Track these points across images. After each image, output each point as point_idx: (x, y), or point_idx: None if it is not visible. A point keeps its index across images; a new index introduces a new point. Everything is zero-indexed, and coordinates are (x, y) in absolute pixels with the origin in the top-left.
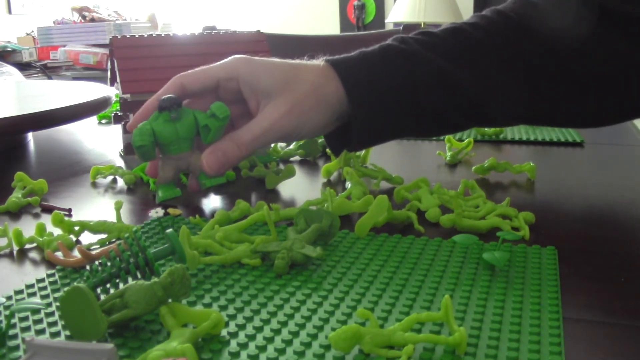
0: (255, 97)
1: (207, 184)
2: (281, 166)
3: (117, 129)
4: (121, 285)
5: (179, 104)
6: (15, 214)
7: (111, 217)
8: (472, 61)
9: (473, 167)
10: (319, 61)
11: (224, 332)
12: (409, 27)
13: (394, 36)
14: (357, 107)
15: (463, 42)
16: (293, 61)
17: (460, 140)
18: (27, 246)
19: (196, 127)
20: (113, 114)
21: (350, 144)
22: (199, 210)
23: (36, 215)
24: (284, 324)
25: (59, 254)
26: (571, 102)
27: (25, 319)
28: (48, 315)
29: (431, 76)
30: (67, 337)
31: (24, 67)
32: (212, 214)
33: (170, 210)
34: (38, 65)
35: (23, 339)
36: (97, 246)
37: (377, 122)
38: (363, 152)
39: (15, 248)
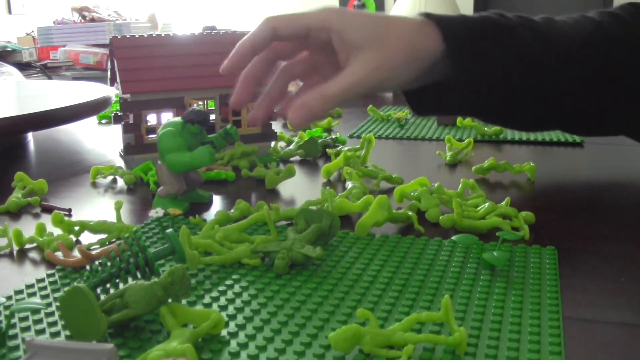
0: (345, 49)
1: (165, 206)
2: (281, 166)
3: (117, 129)
4: (121, 285)
5: (204, 121)
6: (15, 214)
7: (111, 217)
8: (581, 62)
9: (473, 167)
10: (416, 15)
11: (224, 332)
12: None
13: (494, 10)
14: (459, 71)
15: (581, 38)
16: (388, 15)
17: (460, 140)
18: (27, 246)
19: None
20: (113, 114)
21: (437, 107)
22: (199, 210)
23: (36, 215)
24: (284, 324)
25: (59, 254)
26: None
27: (25, 319)
28: (48, 315)
29: (524, 55)
30: (67, 337)
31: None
32: (212, 214)
33: (170, 210)
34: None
35: (23, 339)
36: (97, 246)
37: (475, 94)
38: (363, 152)
39: (15, 248)
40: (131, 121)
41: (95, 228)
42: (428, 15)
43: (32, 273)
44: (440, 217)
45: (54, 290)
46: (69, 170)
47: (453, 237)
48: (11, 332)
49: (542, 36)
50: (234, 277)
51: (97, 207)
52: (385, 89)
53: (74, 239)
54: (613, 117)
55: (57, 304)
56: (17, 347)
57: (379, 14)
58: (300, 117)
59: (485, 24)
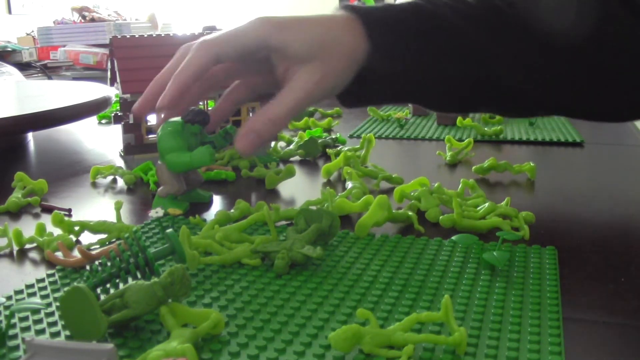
0: (285, 63)
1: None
2: (281, 166)
3: (117, 129)
4: (121, 285)
5: (205, 122)
6: (15, 214)
7: (111, 217)
8: (506, 39)
9: (473, 167)
10: (344, 12)
11: (224, 332)
12: None
13: None
14: (380, 65)
15: (490, 12)
16: (321, 18)
17: (460, 140)
18: (27, 246)
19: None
20: (113, 114)
21: (361, 98)
22: (199, 210)
23: (36, 215)
24: (284, 324)
25: (59, 254)
26: (605, 92)
27: (25, 319)
28: (48, 315)
29: (462, 48)
30: (67, 337)
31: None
32: (212, 214)
33: (170, 210)
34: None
35: (23, 339)
36: (97, 246)
37: (398, 83)
38: (363, 152)
39: (15, 248)
40: (131, 121)
41: (95, 228)
42: (354, 9)
43: (32, 273)
44: (440, 217)
45: (54, 290)
46: (69, 170)
47: (453, 237)
48: (11, 332)
49: (470, 17)
50: (234, 277)
51: (97, 207)
52: (329, 96)
53: (74, 239)
54: (549, 95)
55: (57, 304)
56: (17, 347)
57: (317, 22)
58: (250, 144)
59: (410, 13)
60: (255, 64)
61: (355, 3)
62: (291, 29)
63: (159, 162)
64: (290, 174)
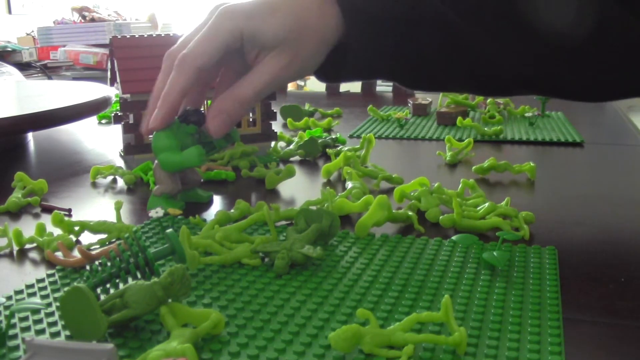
0: (255, 49)
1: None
2: (281, 166)
3: (117, 129)
4: (121, 285)
5: (200, 121)
6: (15, 214)
7: (111, 217)
8: (480, 15)
9: (473, 167)
10: None
11: (224, 332)
12: None
13: None
14: (355, 42)
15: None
16: (295, 3)
17: (460, 140)
18: (27, 246)
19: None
20: (113, 114)
21: (339, 74)
22: (199, 210)
23: (36, 215)
24: (284, 324)
25: (59, 254)
26: (579, 70)
27: (25, 319)
28: (48, 315)
29: (435, 25)
30: (67, 337)
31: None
32: (212, 214)
33: (170, 210)
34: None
35: (23, 339)
36: (97, 246)
37: (374, 59)
38: (363, 152)
39: (15, 248)
40: (131, 121)
41: (95, 228)
42: None
43: (32, 273)
44: (440, 217)
45: (54, 290)
46: (69, 170)
47: (453, 237)
48: (11, 332)
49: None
50: (234, 277)
51: (97, 207)
52: (297, 79)
53: (74, 239)
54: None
55: (57, 304)
56: (17, 347)
57: (283, 3)
58: (221, 124)
59: None
60: (233, 51)
61: None
62: (260, 16)
63: (156, 161)
64: (290, 174)
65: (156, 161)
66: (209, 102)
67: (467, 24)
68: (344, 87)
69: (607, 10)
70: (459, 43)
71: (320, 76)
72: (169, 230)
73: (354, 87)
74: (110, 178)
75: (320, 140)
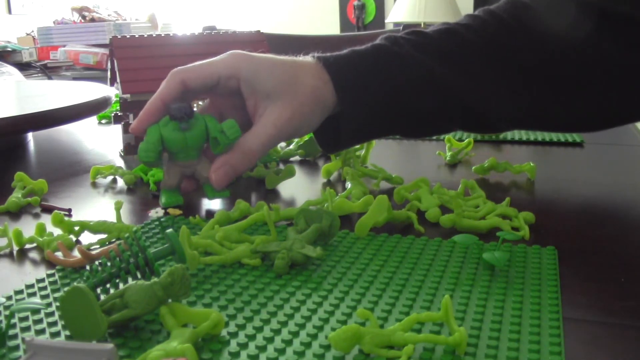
0: (254, 97)
1: (212, 196)
2: (281, 166)
3: (117, 129)
4: (121, 285)
5: (190, 115)
6: (15, 214)
7: (111, 217)
8: (464, 63)
9: (473, 167)
10: (312, 59)
11: (224, 332)
12: (408, 27)
13: (385, 35)
14: (347, 108)
15: (455, 43)
16: (290, 59)
17: (460, 140)
18: (27, 246)
19: (206, 135)
20: (113, 114)
21: (339, 141)
22: (199, 210)
23: (36, 215)
24: (284, 324)
25: (59, 254)
26: (566, 105)
27: (25, 319)
28: (48, 315)
29: (422, 80)
30: (67, 337)
31: (24, 67)
32: (212, 214)
33: (170, 210)
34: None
35: (23, 339)
36: (97, 246)
37: (366, 124)
38: (363, 152)
39: (15, 248)
40: (131, 121)
41: (95, 228)
42: (320, 58)
43: (32, 273)
44: (440, 217)
45: (54, 290)
46: (69, 170)
47: (453, 237)
48: (11, 332)
49: (427, 47)
50: (234, 277)
51: (97, 207)
52: (298, 136)
53: (74, 239)
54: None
55: (57, 304)
56: (17, 347)
57: (284, 60)
58: (224, 176)
59: (375, 59)
60: (227, 92)
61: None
62: (262, 64)
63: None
64: (290, 174)
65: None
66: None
67: (455, 75)
68: None
69: (593, 41)
70: (448, 94)
71: (323, 145)
72: (169, 230)
73: None
74: (110, 178)
75: None
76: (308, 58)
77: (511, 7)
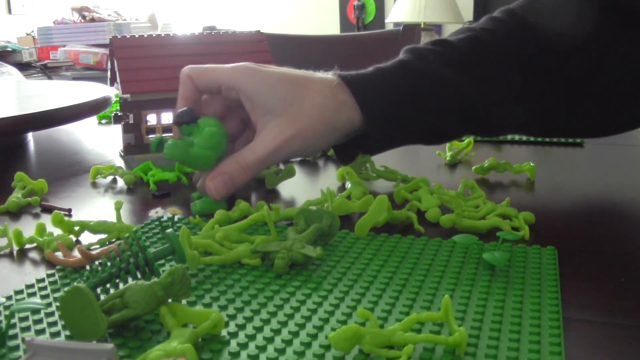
0: (255, 112)
1: (197, 209)
2: (281, 166)
3: (117, 129)
4: (121, 285)
5: (192, 119)
6: (15, 214)
7: (111, 217)
8: (486, 72)
9: (473, 167)
10: (331, 76)
11: (224, 332)
12: (408, 27)
13: (410, 47)
14: (375, 131)
15: (478, 51)
16: (301, 75)
17: (460, 140)
18: (27, 246)
19: (216, 140)
20: (113, 114)
21: (357, 155)
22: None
23: (36, 215)
24: (284, 324)
25: (59, 254)
26: (580, 110)
27: (25, 319)
28: (48, 315)
29: (451, 99)
30: (67, 337)
31: (24, 67)
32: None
33: (170, 210)
34: (38, 65)
35: (23, 339)
36: (97, 246)
37: (392, 143)
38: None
39: (15, 248)
40: (131, 121)
41: (95, 228)
42: (341, 77)
43: (32, 273)
44: (440, 217)
45: (54, 290)
46: (69, 170)
47: (453, 237)
48: (11, 332)
49: (460, 68)
50: (234, 277)
51: (97, 207)
52: (304, 155)
53: (74, 239)
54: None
55: (57, 304)
56: (17, 347)
57: (290, 76)
58: (221, 184)
59: (403, 77)
60: (232, 102)
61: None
62: (263, 79)
63: None
64: (290, 174)
65: None
66: None
67: (473, 83)
68: None
69: (603, 44)
70: (477, 114)
71: (340, 158)
72: (169, 230)
73: None
74: (110, 178)
75: None
76: (326, 75)
77: (526, 2)
